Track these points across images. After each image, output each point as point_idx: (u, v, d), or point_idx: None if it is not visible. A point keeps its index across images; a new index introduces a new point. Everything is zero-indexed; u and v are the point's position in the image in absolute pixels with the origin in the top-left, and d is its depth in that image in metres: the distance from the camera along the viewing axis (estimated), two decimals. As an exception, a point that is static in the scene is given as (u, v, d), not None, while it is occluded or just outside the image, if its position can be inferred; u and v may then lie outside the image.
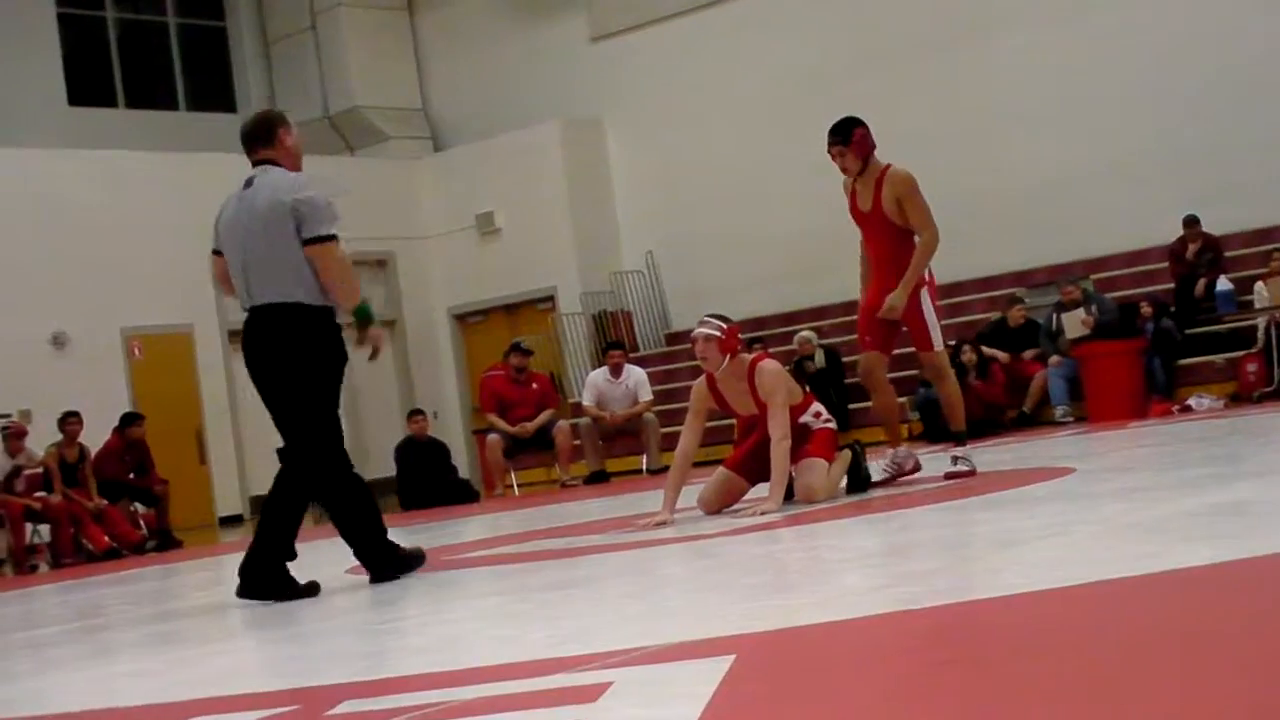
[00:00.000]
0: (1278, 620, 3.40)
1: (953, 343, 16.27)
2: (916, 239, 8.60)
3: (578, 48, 23.01)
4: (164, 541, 15.45)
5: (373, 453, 21.25)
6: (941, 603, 4.22)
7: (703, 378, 8.45)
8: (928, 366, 9.02)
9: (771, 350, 15.91)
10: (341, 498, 6.82)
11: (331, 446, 6.78)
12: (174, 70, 24.56)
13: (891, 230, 8.62)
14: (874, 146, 8.68)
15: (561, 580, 6.37)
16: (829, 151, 8.68)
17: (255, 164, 6.92)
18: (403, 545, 7.03)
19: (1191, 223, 16.48)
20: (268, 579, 6.66)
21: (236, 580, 6.71)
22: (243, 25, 24.90)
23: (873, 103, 20.04)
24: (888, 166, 8.62)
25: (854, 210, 8.77)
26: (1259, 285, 15.17)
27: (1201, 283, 16.01)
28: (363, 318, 6.86)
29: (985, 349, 15.97)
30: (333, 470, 6.79)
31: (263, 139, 6.94)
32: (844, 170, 8.71)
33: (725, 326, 8.28)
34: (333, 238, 6.69)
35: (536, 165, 22.48)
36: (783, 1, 21.00)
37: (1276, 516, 5.41)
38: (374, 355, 7.01)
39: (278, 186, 6.71)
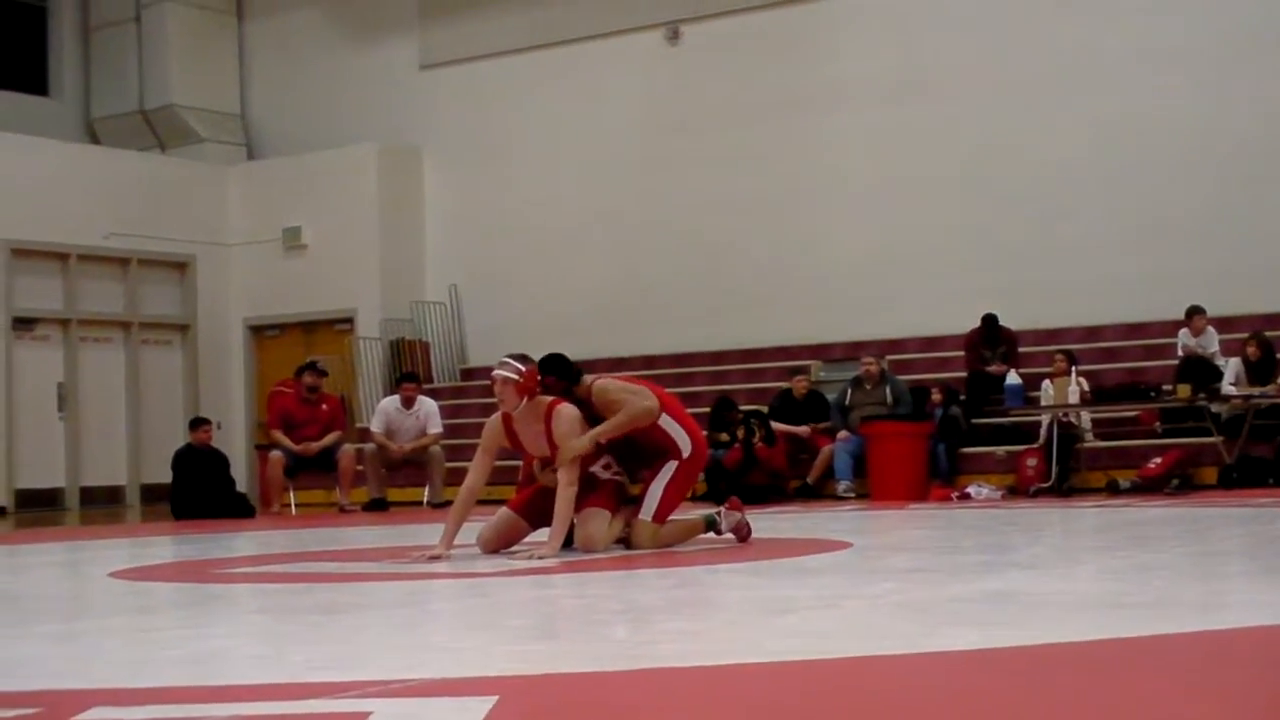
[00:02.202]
0: (1034, 707, 3.45)
1: (745, 408, 16.49)
2: None
3: (406, 74, 22.88)
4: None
5: (152, 458, 20.83)
6: (704, 664, 4.23)
7: (498, 414, 8.39)
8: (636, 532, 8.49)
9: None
10: None
11: None
12: (-14, 46, 23.94)
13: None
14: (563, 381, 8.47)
15: (328, 604, 6.28)
16: None
17: None
18: None
19: (990, 321, 16.83)
20: None
21: None
22: (64, 8, 24.34)
23: (691, 164, 20.35)
24: (565, 400, 8.36)
25: None
26: (1046, 383, 15.54)
27: (994, 367, 16.41)
28: None
29: (775, 424, 16.08)
30: None
31: None
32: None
33: (524, 369, 8.22)
34: None
35: (350, 186, 22.28)
36: (615, 53, 21.11)
37: (1042, 607, 5.51)
38: None
39: None
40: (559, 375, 8.43)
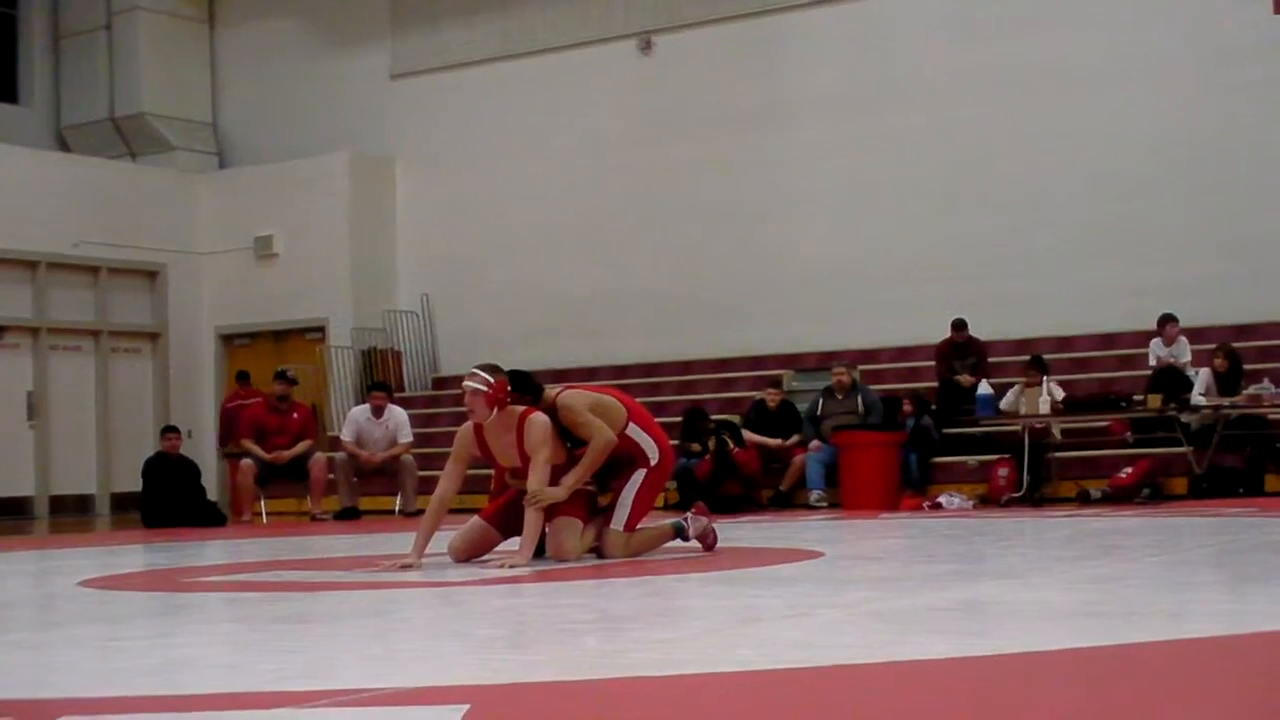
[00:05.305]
0: (1005, 716, 3.45)
1: (717, 417, 16.48)
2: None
3: (377, 83, 22.86)
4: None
5: (122, 467, 20.76)
6: (676, 673, 4.22)
7: (469, 423, 8.37)
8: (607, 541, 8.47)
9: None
10: None
11: None
12: (-46, 53, 23.85)
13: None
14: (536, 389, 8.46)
15: (298, 613, 6.26)
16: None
17: None
18: None
19: (959, 326, 16.91)
20: None
21: None
22: (34, 16, 24.25)
23: (663, 174, 20.37)
24: (536, 409, 8.32)
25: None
26: (1017, 391, 15.57)
27: (962, 378, 16.48)
28: None
29: (748, 433, 16.10)
30: None
31: None
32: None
33: (493, 381, 8.17)
34: None
35: (322, 195, 22.24)
36: (587, 63, 21.11)
37: (1012, 617, 5.53)
38: None
39: None
40: (521, 391, 8.40)
